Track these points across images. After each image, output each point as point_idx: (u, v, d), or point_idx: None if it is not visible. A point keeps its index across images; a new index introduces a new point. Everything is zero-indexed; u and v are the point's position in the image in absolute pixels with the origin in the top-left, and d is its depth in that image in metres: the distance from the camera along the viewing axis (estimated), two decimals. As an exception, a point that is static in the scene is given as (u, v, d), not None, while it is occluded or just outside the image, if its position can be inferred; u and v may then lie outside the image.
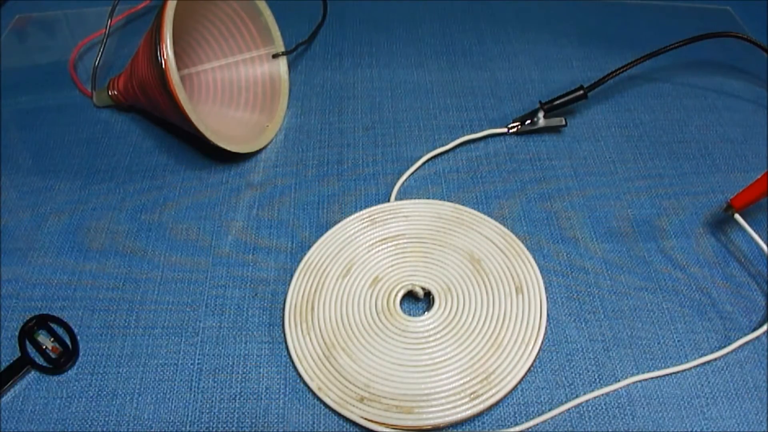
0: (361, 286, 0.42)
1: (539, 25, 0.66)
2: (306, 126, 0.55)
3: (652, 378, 0.38)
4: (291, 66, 0.59)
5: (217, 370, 0.39)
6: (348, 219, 0.46)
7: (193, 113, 0.44)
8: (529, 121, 0.53)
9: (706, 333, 0.41)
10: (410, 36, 0.64)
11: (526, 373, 0.38)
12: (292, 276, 0.43)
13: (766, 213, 0.46)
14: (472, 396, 0.37)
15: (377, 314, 0.41)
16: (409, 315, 0.41)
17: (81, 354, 0.40)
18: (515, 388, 0.38)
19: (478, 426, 0.37)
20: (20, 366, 0.39)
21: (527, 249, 0.44)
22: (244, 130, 0.53)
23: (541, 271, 0.42)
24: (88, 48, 0.63)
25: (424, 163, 0.51)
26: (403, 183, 0.49)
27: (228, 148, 0.48)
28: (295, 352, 0.40)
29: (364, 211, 0.46)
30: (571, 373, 0.39)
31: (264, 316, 0.42)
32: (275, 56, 0.56)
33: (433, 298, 0.41)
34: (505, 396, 0.37)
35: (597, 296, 0.42)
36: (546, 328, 0.40)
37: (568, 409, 0.37)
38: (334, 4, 0.65)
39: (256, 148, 0.52)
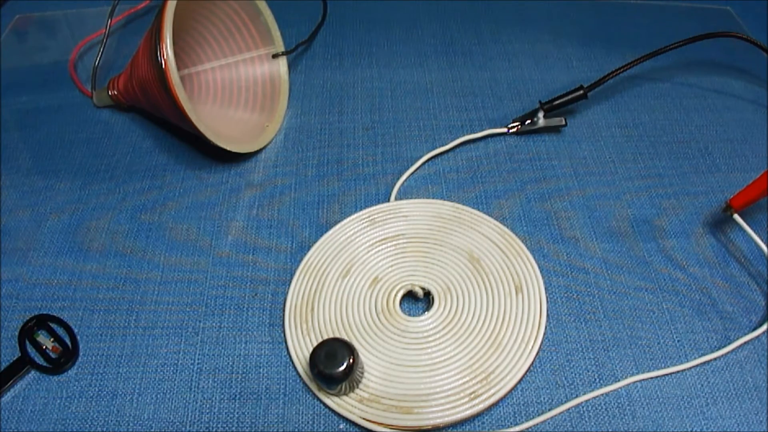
0: (361, 286, 0.42)
1: (539, 25, 0.66)
2: (306, 126, 0.55)
3: (652, 378, 0.38)
4: (291, 66, 0.59)
5: (217, 370, 0.39)
6: (348, 219, 0.46)
7: (193, 113, 0.44)
8: (529, 121, 0.53)
9: (706, 333, 0.41)
10: (410, 36, 0.64)
11: (525, 373, 0.38)
12: (292, 276, 0.43)
13: (765, 213, 0.46)
14: (471, 396, 0.37)
15: (377, 314, 0.41)
16: (409, 315, 0.41)
17: (81, 354, 0.40)
18: (515, 387, 0.38)
19: (478, 426, 0.37)
20: (20, 366, 0.39)
21: (527, 249, 0.44)
22: (244, 130, 0.53)
23: (540, 271, 0.42)
24: (88, 48, 0.63)
25: (424, 163, 0.51)
26: (403, 183, 0.49)
27: (228, 148, 0.48)
28: (295, 352, 0.40)
29: (363, 211, 0.46)
30: (571, 372, 0.39)
31: (264, 317, 0.42)
32: (275, 56, 0.56)
33: (432, 298, 0.41)
34: (505, 396, 0.37)
35: (597, 296, 0.42)
36: (545, 327, 0.40)
37: (568, 408, 0.37)
38: (334, 4, 0.65)
39: (256, 148, 0.52)
